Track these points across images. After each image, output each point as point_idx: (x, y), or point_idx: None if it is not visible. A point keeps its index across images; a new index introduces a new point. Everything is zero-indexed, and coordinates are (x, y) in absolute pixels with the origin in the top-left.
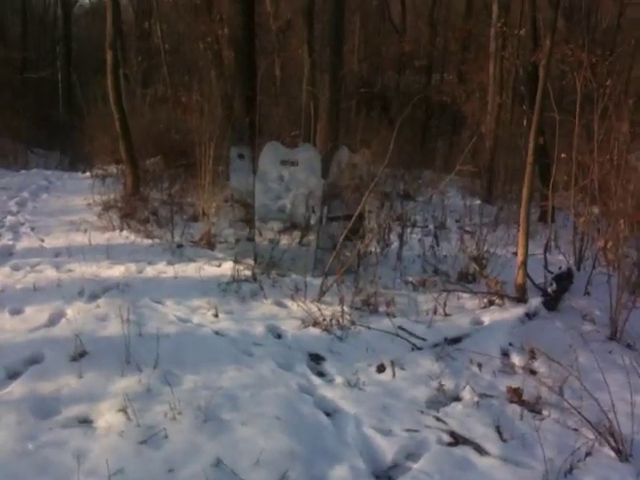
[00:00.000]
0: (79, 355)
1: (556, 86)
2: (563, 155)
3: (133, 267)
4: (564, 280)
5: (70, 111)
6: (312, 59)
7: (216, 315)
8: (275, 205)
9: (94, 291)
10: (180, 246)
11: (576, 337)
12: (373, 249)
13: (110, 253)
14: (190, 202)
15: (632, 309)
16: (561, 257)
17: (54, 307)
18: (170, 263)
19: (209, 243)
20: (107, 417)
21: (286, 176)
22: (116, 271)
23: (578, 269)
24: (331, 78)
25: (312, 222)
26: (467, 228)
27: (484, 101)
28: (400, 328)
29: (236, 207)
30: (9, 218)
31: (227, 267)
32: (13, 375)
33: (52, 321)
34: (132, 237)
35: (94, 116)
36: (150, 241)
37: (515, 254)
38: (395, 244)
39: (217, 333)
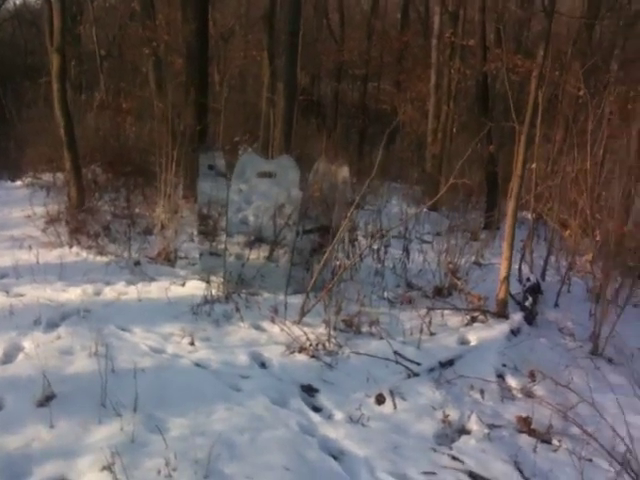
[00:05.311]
0: (46, 399)
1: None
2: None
3: (90, 289)
4: (535, 293)
5: None
6: (273, 67)
7: (192, 343)
8: (236, 217)
9: (51, 318)
10: (137, 263)
11: (564, 355)
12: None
13: (62, 273)
14: (141, 214)
15: (615, 323)
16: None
17: (8, 340)
18: (130, 283)
19: (168, 259)
20: (89, 477)
21: (256, 188)
22: (72, 294)
23: (542, 279)
24: (285, 86)
25: (289, 236)
26: (425, 238)
27: (422, 111)
28: (396, 353)
29: (198, 219)
30: None
31: (192, 286)
32: None
33: (8, 357)
34: (84, 254)
35: (26, 123)
36: (105, 258)
37: (476, 264)
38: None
39: (198, 365)
